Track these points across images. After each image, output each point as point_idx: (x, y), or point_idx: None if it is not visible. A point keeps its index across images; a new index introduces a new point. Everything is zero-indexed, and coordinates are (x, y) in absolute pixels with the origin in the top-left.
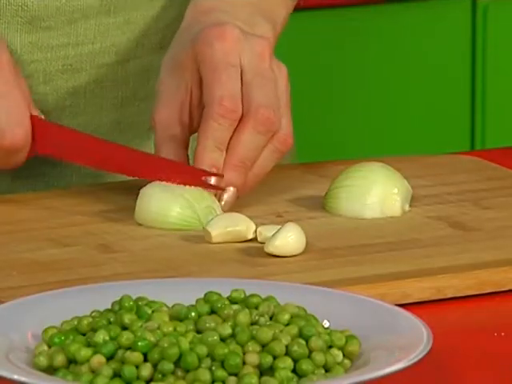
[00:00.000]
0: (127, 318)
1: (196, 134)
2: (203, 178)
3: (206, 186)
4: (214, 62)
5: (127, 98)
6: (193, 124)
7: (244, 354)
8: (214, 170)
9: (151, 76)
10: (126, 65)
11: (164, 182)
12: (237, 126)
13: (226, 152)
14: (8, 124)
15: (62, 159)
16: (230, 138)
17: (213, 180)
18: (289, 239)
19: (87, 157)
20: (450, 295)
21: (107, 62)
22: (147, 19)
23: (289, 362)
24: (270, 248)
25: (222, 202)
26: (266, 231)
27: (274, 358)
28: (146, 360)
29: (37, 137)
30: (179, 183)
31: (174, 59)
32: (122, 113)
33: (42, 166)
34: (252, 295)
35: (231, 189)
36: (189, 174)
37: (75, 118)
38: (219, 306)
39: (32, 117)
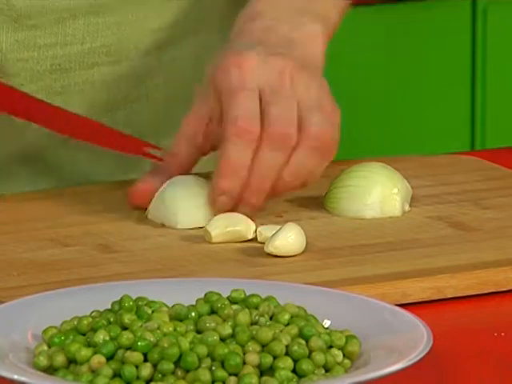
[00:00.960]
0: (127, 318)
1: None
2: (144, 148)
3: (148, 156)
4: (231, 88)
5: (118, 99)
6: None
7: (244, 354)
8: (225, 198)
9: (145, 78)
10: (118, 66)
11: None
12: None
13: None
14: None
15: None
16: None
17: (221, 203)
18: (289, 239)
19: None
20: (449, 295)
21: (97, 62)
22: (139, 21)
23: (289, 362)
24: (270, 248)
25: (241, 210)
26: (266, 231)
27: (274, 357)
28: (145, 360)
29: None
30: (120, 150)
31: (210, 71)
32: (113, 114)
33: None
34: (252, 295)
35: (242, 206)
36: (131, 143)
37: None
38: (219, 305)
39: None
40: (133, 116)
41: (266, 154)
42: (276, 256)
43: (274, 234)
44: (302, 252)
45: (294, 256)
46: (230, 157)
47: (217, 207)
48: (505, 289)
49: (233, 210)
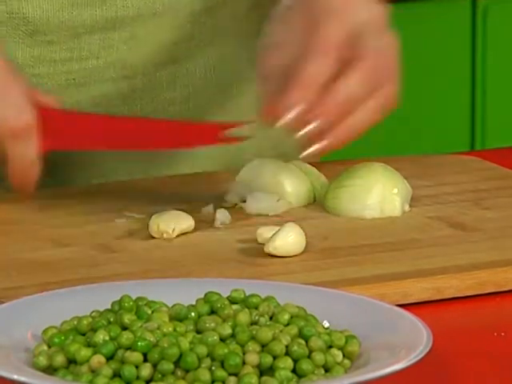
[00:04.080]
0: (127, 318)
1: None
2: (220, 133)
3: (226, 140)
4: (327, 11)
5: (134, 113)
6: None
7: (244, 353)
8: (298, 110)
9: (160, 91)
10: (133, 80)
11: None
12: (341, 73)
13: (328, 90)
14: (9, 112)
15: (74, 149)
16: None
17: (291, 117)
18: (289, 239)
19: (99, 141)
20: (449, 295)
21: (113, 77)
22: (154, 35)
23: (289, 362)
24: (270, 248)
25: (311, 149)
26: (266, 232)
27: (274, 358)
28: (145, 360)
29: (47, 131)
30: (196, 145)
31: (288, 13)
32: None
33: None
34: (252, 295)
35: (317, 144)
36: (204, 133)
37: None
38: (219, 306)
39: (41, 110)
40: None
41: (356, 79)
42: (276, 256)
43: (273, 235)
44: (302, 252)
45: (293, 256)
46: (313, 69)
47: (286, 121)
48: (505, 289)
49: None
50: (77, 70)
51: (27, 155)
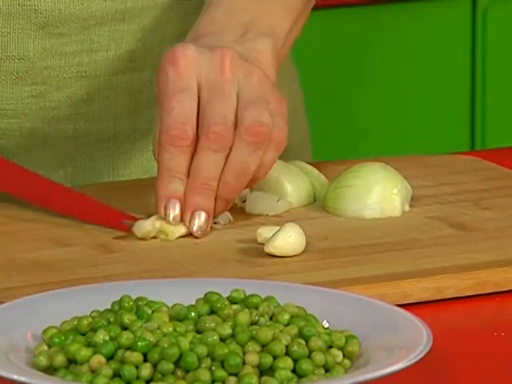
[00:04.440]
0: (127, 318)
1: None
2: (123, 220)
3: (126, 228)
4: (166, 89)
5: (142, 106)
6: None
7: (244, 354)
8: (175, 201)
9: None
10: (142, 72)
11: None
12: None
13: (189, 179)
14: None
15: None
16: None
17: (177, 210)
18: (289, 239)
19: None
20: (449, 295)
21: (122, 69)
22: (163, 27)
23: (289, 362)
24: (270, 248)
25: (194, 228)
26: (265, 232)
27: (274, 358)
28: (145, 360)
29: None
30: (100, 224)
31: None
32: (137, 120)
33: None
34: (252, 295)
35: (202, 213)
36: (110, 215)
37: (90, 125)
38: (219, 306)
39: None
40: (155, 121)
41: (203, 157)
42: (276, 256)
43: (273, 235)
44: (302, 252)
45: (293, 256)
46: (167, 165)
47: (166, 214)
48: (505, 289)
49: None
50: (87, 62)
51: None
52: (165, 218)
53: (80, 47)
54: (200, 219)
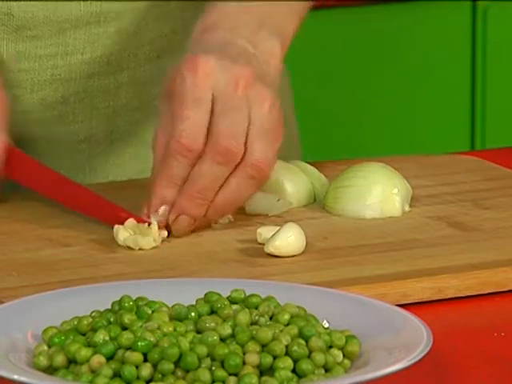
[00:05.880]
0: (127, 318)
1: None
2: (122, 214)
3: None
4: (183, 96)
5: (119, 108)
6: None
7: (244, 354)
8: (165, 207)
9: (146, 86)
10: (118, 75)
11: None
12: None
13: (185, 183)
14: None
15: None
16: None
17: (161, 211)
18: (289, 239)
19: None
20: (450, 295)
21: (98, 71)
22: (139, 30)
23: (289, 362)
24: (270, 248)
25: (174, 226)
26: (265, 232)
27: (274, 357)
28: (145, 360)
29: (11, 162)
30: (98, 218)
31: (167, 84)
32: (114, 122)
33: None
34: (252, 295)
35: (183, 217)
36: (109, 210)
37: (65, 127)
38: (219, 306)
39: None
40: (133, 124)
41: (206, 167)
42: (276, 256)
43: (273, 235)
44: (302, 252)
45: (293, 256)
46: (172, 171)
47: (156, 218)
48: (505, 289)
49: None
50: (62, 65)
51: None
52: (148, 218)
53: (55, 50)
54: (179, 223)
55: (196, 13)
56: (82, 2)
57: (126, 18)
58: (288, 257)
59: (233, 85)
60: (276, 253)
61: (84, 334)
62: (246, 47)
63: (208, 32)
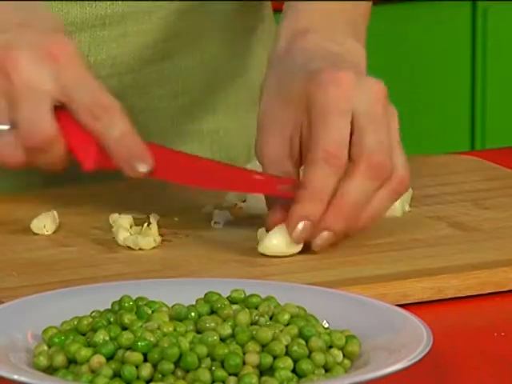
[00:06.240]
0: (127, 318)
1: None
2: (279, 186)
3: (282, 194)
4: (325, 108)
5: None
6: (300, 164)
7: (244, 354)
8: (307, 224)
9: (150, 88)
10: (123, 77)
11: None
12: (345, 174)
13: (333, 198)
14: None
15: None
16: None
17: (307, 232)
18: (280, 240)
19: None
20: (450, 295)
21: (102, 74)
22: (144, 32)
23: (289, 362)
24: (270, 248)
25: (317, 242)
26: (265, 232)
27: (274, 357)
28: (145, 360)
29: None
30: (255, 192)
31: (284, 90)
32: None
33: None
34: (252, 295)
35: (327, 232)
36: (264, 183)
37: None
38: (219, 306)
39: None
40: (138, 127)
41: (358, 182)
42: (276, 256)
43: (272, 234)
44: (302, 252)
45: (293, 256)
46: (317, 182)
47: (296, 235)
48: (505, 289)
49: (312, 238)
50: None
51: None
52: (291, 235)
53: None
54: (322, 239)
55: (197, 17)
56: (86, 5)
57: (131, 21)
58: (288, 257)
59: (374, 101)
60: (268, 253)
61: (84, 334)
62: (345, 57)
63: (302, 37)
